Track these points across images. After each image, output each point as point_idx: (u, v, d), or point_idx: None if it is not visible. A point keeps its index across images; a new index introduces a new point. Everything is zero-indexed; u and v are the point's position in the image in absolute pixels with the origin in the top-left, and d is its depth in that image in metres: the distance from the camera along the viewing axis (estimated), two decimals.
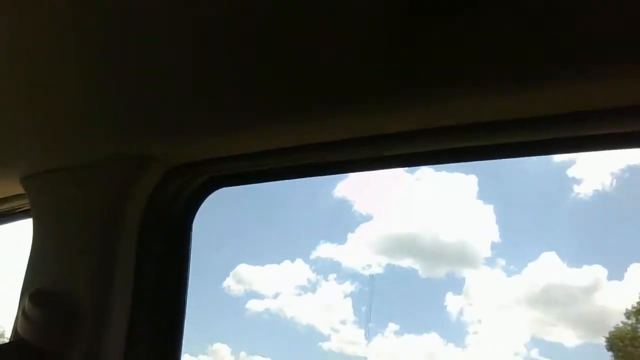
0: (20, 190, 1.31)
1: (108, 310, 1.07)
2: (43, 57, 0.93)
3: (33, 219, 1.23)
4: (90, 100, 1.03)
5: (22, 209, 1.49)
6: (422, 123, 0.91)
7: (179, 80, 0.94)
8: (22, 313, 1.09)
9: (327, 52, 0.82)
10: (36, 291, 1.11)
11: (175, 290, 1.16)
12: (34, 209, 1.24)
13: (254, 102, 0.95)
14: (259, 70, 0.88)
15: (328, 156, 1.07)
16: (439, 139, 0.94)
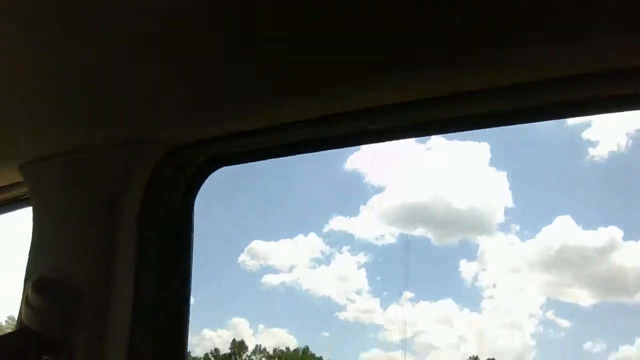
0: (19, 177, 1.29)
1: (111, 296, 1.06)
2: (38, 42, 0.90)
3: (32, 207, 1.21)
4: (86, 84, 1.01)
5: (23, 197, 1.47)
6: (419, 93, 0.89)
7: (174, 62, 0.92)
8: (25, 301, 1.09)
9: (325, 26, 0.79)
10: (38, 279, 1.10)
11: (179, 272, 1.14)
12: (33, 196, 1.22)
13: (250, 80, 0.93)
14: (255, 48, 0.86)
15: (328, 130, 1.05)
16: (444, 107, 0.92)
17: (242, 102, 0.98)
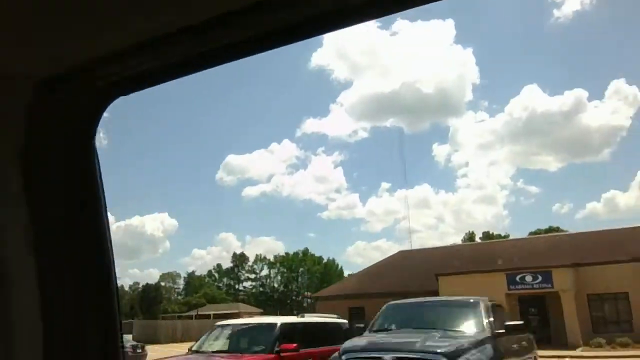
0: None
1: (7, 265, 0.91)
2: None
3: None
4: None
5: None
6: None
7: None
8: None
9: None
10: None
11: (91, 214, 0.99)
12: None
13: None
14: None
15: (233, 32, 0.85)
16: None
17: (114, 13, 0.81)
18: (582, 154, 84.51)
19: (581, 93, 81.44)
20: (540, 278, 24.85)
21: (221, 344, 10.14)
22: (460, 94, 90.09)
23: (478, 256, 29.58)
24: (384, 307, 9.76)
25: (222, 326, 10.97)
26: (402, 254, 37.25)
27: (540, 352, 12.11)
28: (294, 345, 9.19)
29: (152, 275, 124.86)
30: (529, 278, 25.07)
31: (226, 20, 0.81)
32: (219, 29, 0.83)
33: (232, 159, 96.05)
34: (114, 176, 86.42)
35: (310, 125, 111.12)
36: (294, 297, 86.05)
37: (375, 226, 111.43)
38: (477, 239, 76.44)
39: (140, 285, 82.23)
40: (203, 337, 10.68)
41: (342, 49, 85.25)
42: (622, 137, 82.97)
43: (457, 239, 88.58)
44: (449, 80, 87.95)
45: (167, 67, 0.95)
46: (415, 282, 28.82)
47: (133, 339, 32.15)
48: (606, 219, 76.98)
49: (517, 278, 25.25)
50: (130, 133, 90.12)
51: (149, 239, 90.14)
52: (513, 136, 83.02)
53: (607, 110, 78.44)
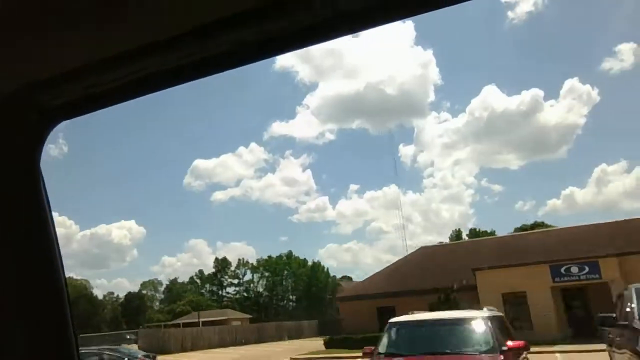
0: None
1: None
2: None
3: None
4: None
5: None
6: None
7: None
8: None
9: None
10: None
11: (39, 237, 0.96)
12: None
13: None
14: None
15: (183, 52, 0.82)
16: None
17: (56, 29, 0.79)
18: (541, 152, 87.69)
19: (537, 92, 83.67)
20: (587, 269, 24.12)
21: (413, 342, 8.59)
22: (423, 94, 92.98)
23: (506, 250, 28.61)
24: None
25: (399, 324, 9.25)
26: (424, 251, 36.37)
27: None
28: (523, 342, 7.78)
29: (120, 285, 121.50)
30: (574, 269, 24.30)
31: (179, 40, 0.79)
32: (163, 52, 0.81)
33: (199, 163, 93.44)
34: (76, 184, 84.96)
35: (278, 128, 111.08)
36: (279, 302, 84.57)
37: (346, 228, 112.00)
38: (464, 237, 77.45)
39: (115, 295, 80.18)
40: (384, 337, 8.97)
41: (306, 51, 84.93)
42: (578, 135, 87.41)
43: (427, 238, 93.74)
44: (412, 82, 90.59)
45: (114, 90, 0.91)
46: (445, 278, 27.74)
47: (139, 349, 30.25)
48: (566, 214, 79.08)
49: (562, 270, 24.46)
50: (93, 139, 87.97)
51: (116, 247, 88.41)
52: (475, 136, 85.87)
53: (563, 109, 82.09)
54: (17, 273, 0.92)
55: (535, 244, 28.29)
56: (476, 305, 25.48)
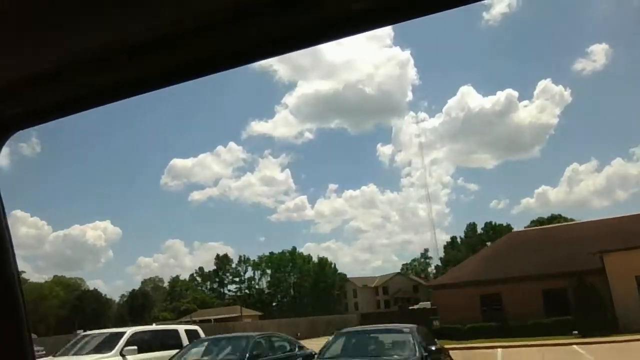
0: None
1: None
2: None
3: None
4: None
5: None
6: None
7: None
8: None
9: None
10: None
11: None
12: None
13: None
14: None
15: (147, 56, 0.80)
16: None
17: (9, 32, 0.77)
18: (515, 151, 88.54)
19: (512, 93, 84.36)
20: None
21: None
22: (401, 94, 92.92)
23: (625, 233, 26.84)
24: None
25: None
26: (514, 235, 34.92)
27: None
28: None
29: (97, 287, 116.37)
30: None
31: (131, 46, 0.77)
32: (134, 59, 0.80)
33: (176, 162, 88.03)
34: (48, 185, 79.82)
35: (256, 127, 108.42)
36: (283, 299, 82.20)
37: (325, 227, 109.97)
38: (479, 230, 76.93)
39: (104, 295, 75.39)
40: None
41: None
42: (551, 135, 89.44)
43: (405, 236, 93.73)
44: (391, 81, 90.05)
45: (70, 100, 0.89)
46: (549, 264, 25.90)
47: None
48: (539, 213, 79.42)
49: None
50: (67, 139, 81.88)
51: (90, 248, 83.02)
52: (452, 135, 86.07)
53: (536, 109, 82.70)
54: None
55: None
56: (606, 290, 23.48)
